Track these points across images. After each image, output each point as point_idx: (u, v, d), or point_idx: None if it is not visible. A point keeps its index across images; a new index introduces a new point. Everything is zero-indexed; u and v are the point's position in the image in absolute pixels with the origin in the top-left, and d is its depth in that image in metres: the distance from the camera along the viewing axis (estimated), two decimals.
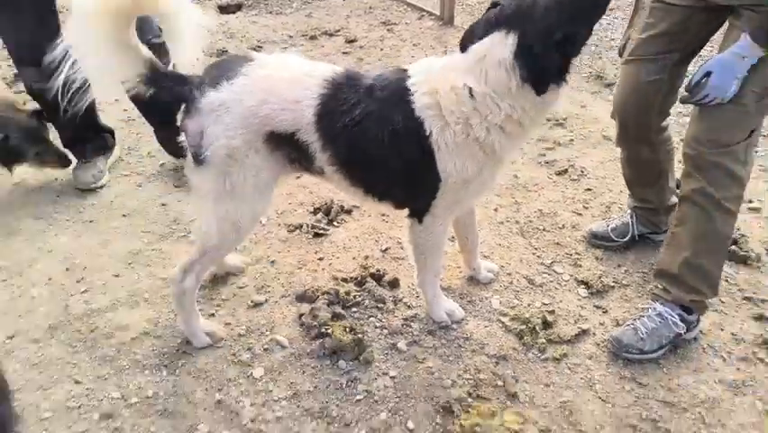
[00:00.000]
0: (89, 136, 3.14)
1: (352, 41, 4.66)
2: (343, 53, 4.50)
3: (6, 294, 2.44)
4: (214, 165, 1.95)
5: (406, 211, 2.18)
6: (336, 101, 1.92)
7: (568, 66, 1.82)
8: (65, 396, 2.05)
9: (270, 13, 5.27)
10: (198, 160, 1.97)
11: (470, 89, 1.85)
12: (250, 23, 5.04)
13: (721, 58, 1.93)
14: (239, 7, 5.33)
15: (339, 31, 4.82)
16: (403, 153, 1.93)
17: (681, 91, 2.18)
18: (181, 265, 2.14)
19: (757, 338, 2.30)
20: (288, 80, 1.94)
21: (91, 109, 3.13)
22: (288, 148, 1.99)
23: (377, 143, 1.91)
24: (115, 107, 3.75)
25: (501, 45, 1.81)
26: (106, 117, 3.40)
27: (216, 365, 2.17)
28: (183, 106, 1.97)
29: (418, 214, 2.12)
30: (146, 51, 1.95)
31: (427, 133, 1.90)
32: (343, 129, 1.92)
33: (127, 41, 1.89)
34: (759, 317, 2.39)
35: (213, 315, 2.37)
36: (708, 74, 1.95)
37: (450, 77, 1.89)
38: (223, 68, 1.98)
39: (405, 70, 2.00)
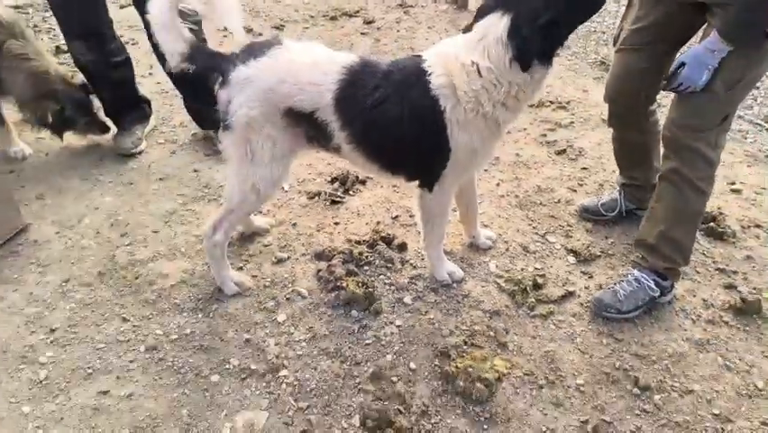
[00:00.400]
0: (129, 107, 3.43)
1: (370, 23, 4.91)
2: (362, 33, 4.75)
3: (60, 244, 2.76)
4: (237, 131, 2.25)
5: (415, 182, 2.47)
6: (355, 85, 2.19)
7: (552, 49, 2.07)
8: (115, 331, 2.37)
9: None
10: (225, 125, 2.27)
11: (477, 66, 2.10)
12: (273, 3, 5.29)
13: (695, 50, 2.17)
14: None
15: (358, 12, 5.07)
16: (420, 129, 2.20)
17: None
18: (211, 222, 2.44)
19: (725, 304, 2.58)
20: (309, 65, 2.21)
21: (131, 82, 3.42)
22: (306, 126, 2.27)
23: (396, 122, 2.18)
24: (150, 80, 4.05)
25: (497, 25, 2.07)
26: (142, 89, 3.70)
27: (245, 311, 2.49)
28: (219, 79, 2.27)
29: (429, 184, 2.39)
30: (187, 32, 2.24)
31: (442, 110, 2.17)
32: (363, 110, 2.19)
33: (172, 21, 2.18)
34: (729, 286, 2.67)
35: (241, 268, 2.68)
36: (682, 65, 2.20)
37: (459, 56, 2.15)
38: (255, 48, 2.26)
39: (419, 56, 2.27)
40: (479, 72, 2.11)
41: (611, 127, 2.82)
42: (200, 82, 2.33)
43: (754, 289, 2.64)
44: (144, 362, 2.27)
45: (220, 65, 2.24)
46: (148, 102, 3.57)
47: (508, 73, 2.09)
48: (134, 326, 2.40)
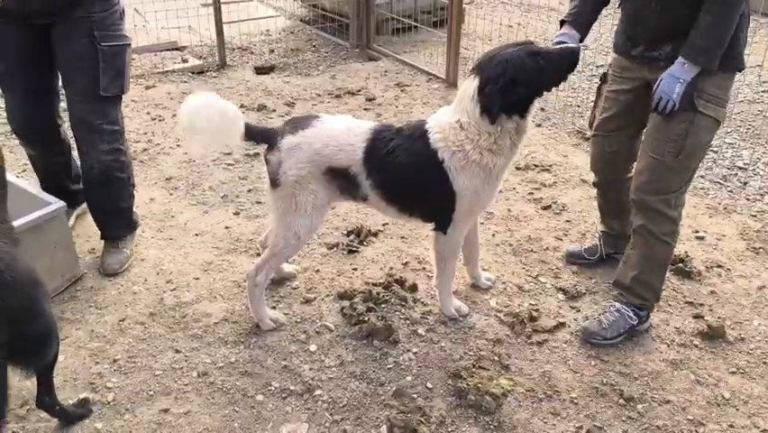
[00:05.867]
0: (109, 214, 3.32)
1: (371, 100, 5.48)
2: (364, 109, 5.31)
3: (114, 290, 3.14)
4: (286, 188, 2.70)
5: (429, 228, 2.91)
6: (378, 141, 2.69)
7: (514, 105, 2.55)
8: (169, 360, 2.73)
9: (300, 74, 6.13)
10: (275, 183, 2.73)
11: (460, 122, 2.61)
12: (283, 83, 5.87)
13: (669, 69, 2.53)
14: (272, 69, 6.18)
15: (360, 90, 5.65)
16: (426, 176, 2.68)
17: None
18: (256, 265, 2.86)
19: (694, 330, 2.99)
20: (345, 130, 2.72)
21: (117, 195, 3.30)
22: (341, 180, 2.73)
23: (407, 170, 2.67)
24: (178, 151, 4.53)
25: (471, 86, 2.59)
26: (171, 159, 4.16)
27: (280, 342, 2.85)
28: (266, 146, 2.75)
29: (443, 226, 2.83)
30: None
31: (441, 160, 2.65)
32: (382, 160, 2.67)
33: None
34: (697, 316, 3.08)
35: (274, 307, 3.06)
36: (660, 81, 2.56)
37: (449, 116, 2.68)
38: (299, 121, 2.79)
39: (424, 121, 2.78)
40: (461, 127, 2.61)
41: (596, 187, 3.31)
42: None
43: (719, 317, 3.06)
44: (197, 385, 2.61)
45: (268, 136, 2.74)
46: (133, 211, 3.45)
47: (482, 124, 2.58)
48: (186, 356, 2.76)
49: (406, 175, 2.68)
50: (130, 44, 3.17)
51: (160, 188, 4.09)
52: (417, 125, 2.75)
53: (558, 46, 2.65)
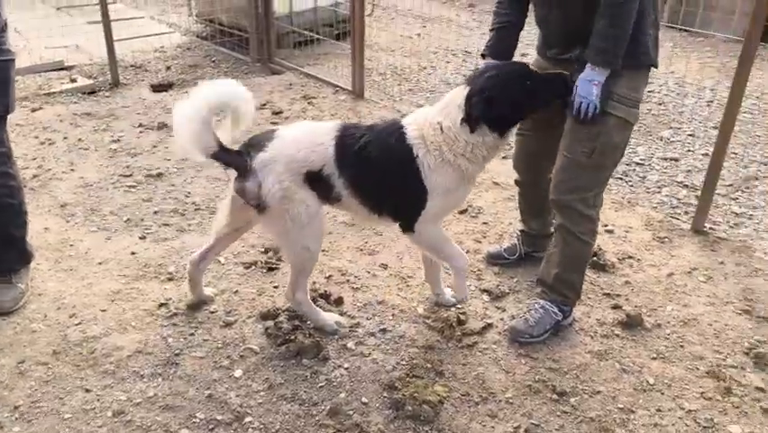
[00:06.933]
0: (7, 252, 3.03)
1: (278, 113, 5.35)
2: (272, 123, 5.16)
3: (9, 330, 2.83)
4: (275, 207, 2.60)
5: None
6: (347, 138, 2.66)
7: (497, 118, 2.60)
8: (80, 402, 2.48)
9: None
10: (261, 208, 2.61)
11: (441, 124, 2.63)
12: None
13: (581, 74, 2.61)
14: (171, 86, 5.92)
15: (265, 104, 5.51)
16: (399, 170, 2.66)
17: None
18: (289, 288, 2.85)
19: (614, 321, 3.08)
20: (311, 132, 2.70)
21: (7, 222, 3.02)
22: (316, 183, 2.64)
23: (380, 165, 2.64)
24: (73, 175, 4.21)
25: (460, 95, 2.63)
26: (65, 184, 3.85)
27: (202, 371, 2.68)
28: (236, 174, 2.61)
29: (409, 224, 2.77)
30: (216, 132, 2.56)
31: (415, 155, 2.64)
32: (355, 156, 2.63)
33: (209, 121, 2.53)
34: (615, 307, 3.18)
35: (192, 334, 2.87)
36: (575, 87, 2.63)
37: (429, 116, 2.69)
38: (258, 139, 2.68)
39: (399, 119, 2.79)
40: (441, 129, 2.63)
41: (517, 186, 3.36)
42: None
43: (635, 306, 3.17)
44: (113, 425, 2.39)
45: (237, 161, 2.60)
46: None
47: (461, 132, 2.61)
48: (97, 395, 2.52)
49: (379, 170, 2.66)
50: (14, 60, 2.90)
51: (54, 216, 3.77)
52: (393, 122, 2.78)
53: (551, 72, 2.73)
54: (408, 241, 2.93)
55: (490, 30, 2.92)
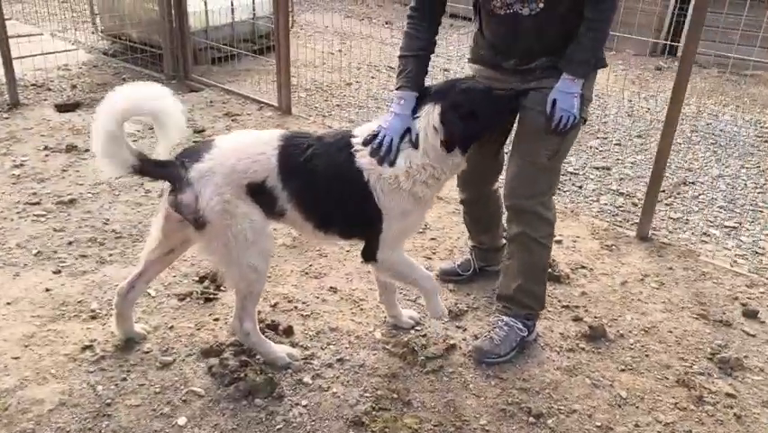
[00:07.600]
0: None
1: (200, 132, 5.00)
2: (194, 141, 4.81)
3: None
4: (215, 222, 2.34)
5: (348, 242, 2.79)
6: (291, 148, 2.43)
7: (468, 136, 2.47)
8: None
9: None
10: (199, 224, 2.34)
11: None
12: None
13: (557, 87, 2.52)
14: (77, 106, 5.43)
15: (186, 123, 5.14)
16: (349, 193, 2.45)
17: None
18: (235, 317, 2.56)
19: (577, 334, 2.97)
20: (252, 142, 2.45)
21: None
22: (260, 197, 2.40)
23: (326, 180, 2.43)
24: None
25: (433, 112, 2.45)
26: None
27: (140, 421, 2.33)
28: (170, 188, 2.34)
29: (370, 251, 2.56)
30: (133, 145, 2.32)
31: (366, 180, 2.44)
32: (299, 167, 2.40)
33: (121, 134, 2.28)
34: (576, 319, 3.08)
35: (125, 379, 2.51)
36: (554, 102, 2.52)
37: None
38: (194, 150, 2.45)
39: (350, 131, 2.55)
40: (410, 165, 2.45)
41: (462, 204, 3.20)
42: None
43: (595, 317, 3.09)
44: None
45: (170, 172, 2.33)
46: None
47: (434, 158, 2.46)
48: None
49: (326, 187, 2.45)
50: None
51: None
52: (342, 137, 2.54)
53: (503, 88, 2.63)
54: (373, 272, 2.74)
55: (404, 56, 2.64)
